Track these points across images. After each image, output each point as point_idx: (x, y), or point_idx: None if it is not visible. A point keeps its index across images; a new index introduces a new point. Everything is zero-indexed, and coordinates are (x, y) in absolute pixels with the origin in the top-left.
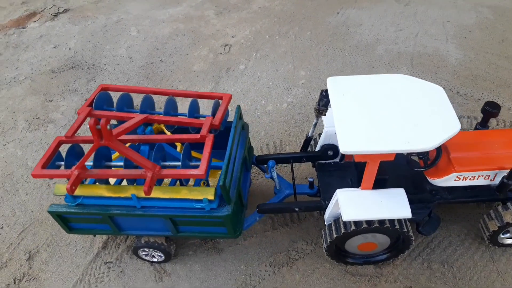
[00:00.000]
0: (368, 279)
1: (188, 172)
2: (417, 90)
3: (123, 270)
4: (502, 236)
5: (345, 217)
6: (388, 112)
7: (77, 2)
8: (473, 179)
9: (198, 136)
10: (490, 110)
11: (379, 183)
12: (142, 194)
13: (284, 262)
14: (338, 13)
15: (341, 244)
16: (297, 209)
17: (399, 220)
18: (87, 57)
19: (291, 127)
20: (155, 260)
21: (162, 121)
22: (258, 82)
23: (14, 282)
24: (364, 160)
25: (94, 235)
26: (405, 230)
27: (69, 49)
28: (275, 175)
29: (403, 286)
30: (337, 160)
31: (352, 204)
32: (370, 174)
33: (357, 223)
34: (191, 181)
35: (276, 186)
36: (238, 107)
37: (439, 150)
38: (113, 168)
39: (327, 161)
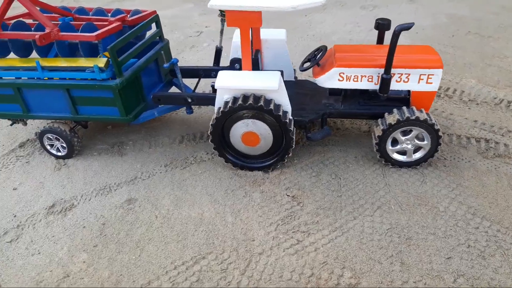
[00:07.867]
0: (253, 180)
1: (81, 34)
2: None
3: (29, 161)
4: (391, 148)
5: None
6: None
7: None
8: (357, 80)
9: (107, 22)
10: (381, 22)
11: None
12: (46, 63)
13: (179, 165)
14: (305, 15)
15: (227, 134)
16: (189, 100)
17: (277, 107)
18: None
19: None
20: (60, 154)
21: (79, 18)
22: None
23: None
24: (235, 26)
25: (11, 124)
26: (280, 114)
27: None
28: (180, 76)
29: (285, 187)
30: None
31: (226, 78)
32: (245, 49)
33: (235, 101)
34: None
35: (183, 91)
36: (156, 15)
37: (324, 50)
38: None
39: None
